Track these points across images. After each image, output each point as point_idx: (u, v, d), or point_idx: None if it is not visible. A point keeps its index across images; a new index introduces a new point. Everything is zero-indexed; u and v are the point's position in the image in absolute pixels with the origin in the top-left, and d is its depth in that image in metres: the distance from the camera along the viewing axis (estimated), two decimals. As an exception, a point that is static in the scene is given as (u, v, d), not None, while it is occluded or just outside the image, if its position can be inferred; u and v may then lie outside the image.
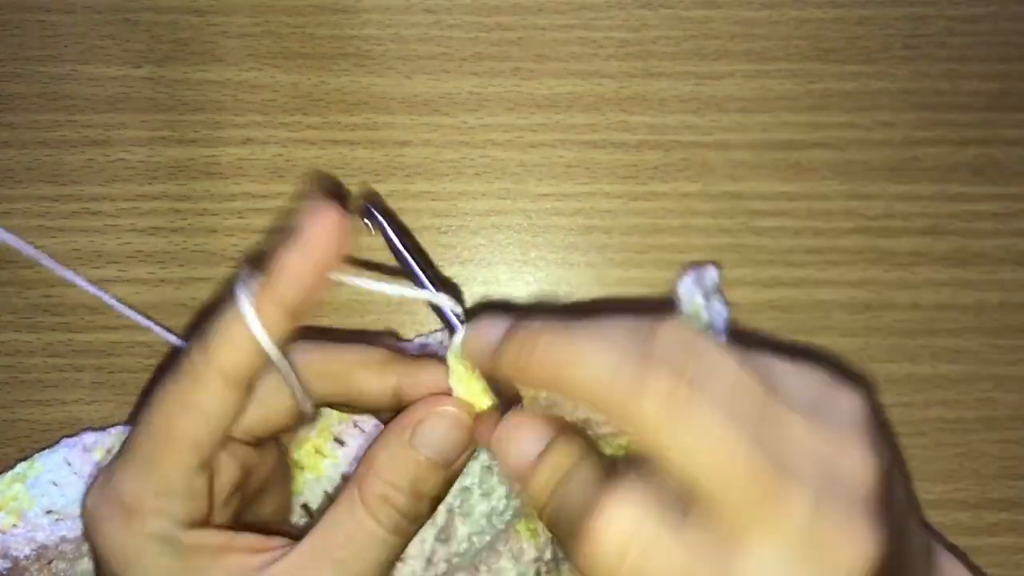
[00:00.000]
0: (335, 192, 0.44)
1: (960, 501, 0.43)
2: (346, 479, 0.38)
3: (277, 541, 0.31)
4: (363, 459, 0.31)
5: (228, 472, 0.33)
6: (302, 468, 0.37)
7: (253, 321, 0.30)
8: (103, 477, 0.32)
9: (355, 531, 0.30)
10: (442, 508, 0.32)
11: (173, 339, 0.42)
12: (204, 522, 0.32)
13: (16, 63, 0.45)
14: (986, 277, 0.45)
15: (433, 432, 0.30)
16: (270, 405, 0.33)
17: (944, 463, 0.44)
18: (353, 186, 0.45)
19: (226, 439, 0.32)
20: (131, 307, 0.43)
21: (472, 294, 0.44)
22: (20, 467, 0.39)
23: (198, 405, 0.30)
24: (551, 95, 0.45)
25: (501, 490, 0.33)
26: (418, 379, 0.32)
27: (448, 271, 0.44)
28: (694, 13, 0.46)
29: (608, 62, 0.46)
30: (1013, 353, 0.44)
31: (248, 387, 0.31)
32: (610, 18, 0.46)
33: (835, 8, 0.46)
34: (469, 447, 0.31)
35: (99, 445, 0.40)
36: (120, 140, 0.45)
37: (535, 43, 0.46)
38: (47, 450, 0.40)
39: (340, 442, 0.38)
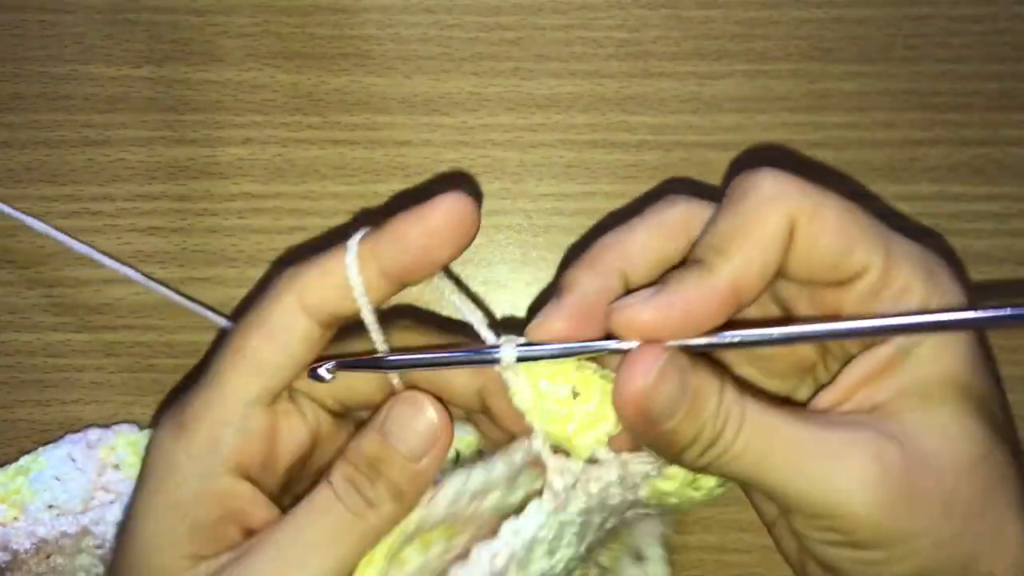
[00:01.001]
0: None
1: (960, 501, 0.43)
2: None
3: None
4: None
5: (298, 436, 0.32)
6: None
7: (352, 262, 0.29)
8: (183, 396, 0.32)
9: (320, 509, 0.30)
10: (505, 552, 0.30)
11: (220, 320, 0.42)
12: (251, 475, 0.31)
13: (16, 63, 0.45)
14: (986, 277, 0.44)
15: (401, 418, 0.30)
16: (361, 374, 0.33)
17: (944, 463, 0.44)
18: (353, 185, 0.45)
19: (301, 393, 0.32)
20: (132, 307, 0.43)
21: (472, 294, 0.44)
22: (24, 460, 0.39)
23: (272, 324, 0.30)
24: (551, 95, 0.45)
25: (566, 552, 0.31)
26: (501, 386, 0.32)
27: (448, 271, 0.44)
28: (694, 13, 0.46)
29: (608, 62, 0.46)
30: (1013, 353, 0.44)
31: (327, 325, 0.31)
32: (610, 18, 0.46)
33: (835, 8, 0.46)
34: (438, 443, 0.30)
35: (103, 442, 0.40)
36: (120, 140, 0.45)
37: (535, 43, 0.46)
38: (51, 444, 0.40)
39: None
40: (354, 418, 0.35)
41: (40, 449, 0.39)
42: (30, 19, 0.45)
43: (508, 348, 0.29)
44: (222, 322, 0.42)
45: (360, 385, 0.33)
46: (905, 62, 0.46)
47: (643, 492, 0.31)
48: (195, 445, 0.30)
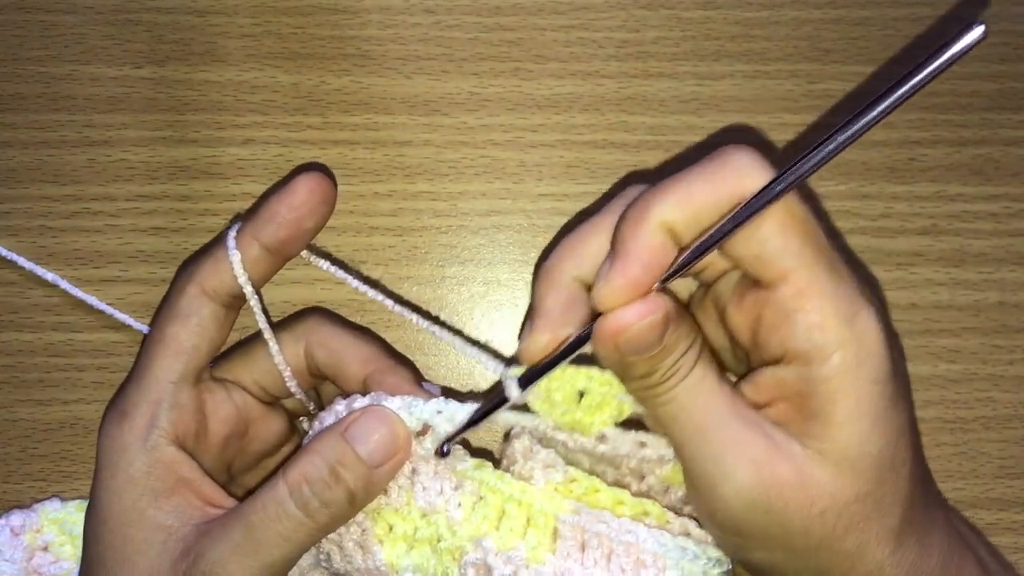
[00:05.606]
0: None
1: (958, 500, 0.44)
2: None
3: (231, 503, 0.34)
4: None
5: (224, 411, 0.36)
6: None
7: (232, 247, 0.34)
8: (118, 391, 0.36)
9: (269, 500, 0.32)
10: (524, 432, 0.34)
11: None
12: (187, 447, 0.34)
13: (17, 63, 0.45)
14: (984, 277, 0.45)
15: (364, 427, 0.33)
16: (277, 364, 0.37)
17: (943, 463, 0.44)
18: (354, 185, 0.45)
19: (226, 380, 0.37)
20: (133, 307, 0.43)
21: (472, 294, 0.45)
22: None
23: (181, 311, 0.35)
24: (551, 95, 0.45)
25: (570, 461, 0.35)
26: (385, 377, 0.37)
27: (448, 271, 0.45)
28: (693, 14, 0.46)
29: (608, 62, 0.46)
30: (1011, 353, 0.44)
31: (229, 306, 0.35)
32: (610, 18, 0.46)
33: (835, 9, 0.46)
34: (395, 456, 0.33)
35: (28, 527, 0.40)
36: (121, 140, 0.45)
37: (535, 43, 0.46)
38: None
39: None
40: (283, 407, 0.39)
41: None
42: (31, 19, 0.45)
43: (512, 387, 0.32)
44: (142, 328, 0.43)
45: (276, 372, 0.37)
46: (905, 62, 0.46)
47: (662, 470, 0.34)
48: (136, 426, 0.34)
